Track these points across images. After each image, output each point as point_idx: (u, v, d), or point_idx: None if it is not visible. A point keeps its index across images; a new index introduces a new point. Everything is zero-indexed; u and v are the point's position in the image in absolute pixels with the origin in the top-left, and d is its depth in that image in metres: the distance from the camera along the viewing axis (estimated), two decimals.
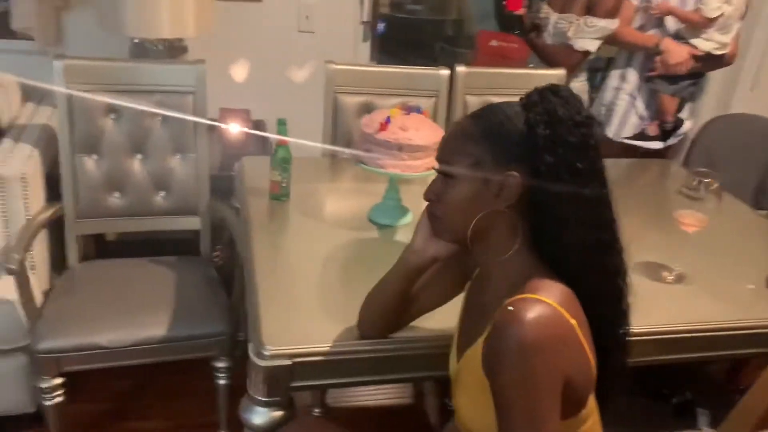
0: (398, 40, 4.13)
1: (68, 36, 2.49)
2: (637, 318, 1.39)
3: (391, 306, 1.20)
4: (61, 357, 1.71)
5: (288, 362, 1.22)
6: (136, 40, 2.32)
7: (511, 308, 0.91)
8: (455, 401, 1.12)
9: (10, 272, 1.65)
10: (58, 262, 2.07)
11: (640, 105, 2.69)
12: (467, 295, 1.19)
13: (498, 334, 0.92)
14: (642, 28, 2.61)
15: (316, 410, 2.15)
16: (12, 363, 1.84)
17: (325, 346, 1.23)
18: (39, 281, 1.94)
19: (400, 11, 4.75)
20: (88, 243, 2.37)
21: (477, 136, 1.01)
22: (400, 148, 1.61)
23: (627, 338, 1.09)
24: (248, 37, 2.63)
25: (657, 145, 2.71)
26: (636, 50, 2.65)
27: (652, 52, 2.56)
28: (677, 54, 2.51)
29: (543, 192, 0.97)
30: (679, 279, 1.60)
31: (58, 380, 1.74)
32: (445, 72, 2.28)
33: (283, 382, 1.24)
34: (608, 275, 1.02)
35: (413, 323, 1.27)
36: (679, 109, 2.68)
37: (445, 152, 1.05)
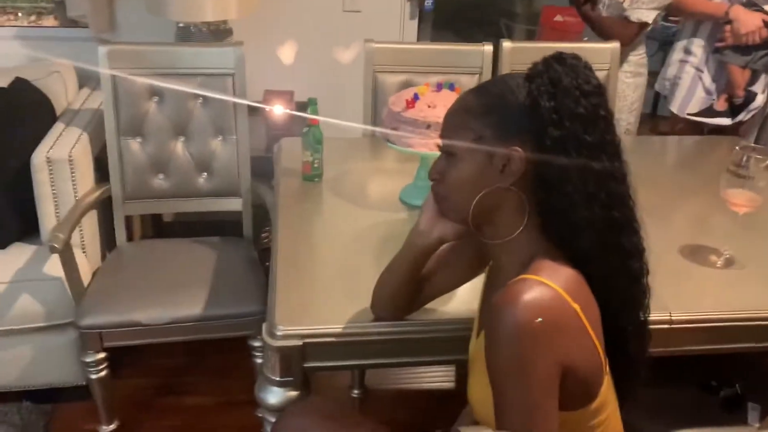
0: (456, 17, 4.03)
1: (120, 22, 2.56)
2: (684, 304, 1.33)
3: (401, 288, 1.17)
4: (103, 333, 1.78)
5: (299, 343, 1.21)
6: (181, 24, 2.36)
7: (508, 290, 0.87)
8: (468, 385, 1.08)
9: (53, 251, 1.72)
10: (110, 241, 2.15)
11: (707, 78, 2.52)
12: (486, 277, 1.14)
13: (494, 316, 0.87)
14: None
15: (355, 392, 2.15)
16: (62, 337, 1.93)
17: (336, 328, 1.22)
18: (90, 260, 2.02)
19: None
20: (145, 223, 2.45)
21: (478, 111, 0.96)
22: (429, 126, 1.57)
23: (646, 323, 1.01)
24: (293, 18, 2.63)
25: (725, 121, 2.53)
26: (703, 20, 2.47)
27: (720, 22, 2.39)
28: (748, 22, 2.33)
29: (549, 167, 0.91)
30: (729, 263, 1.48)
31: (102, 355, 1.81)
32: (488, 48, 2.20)
33: (295, 363, 1.23)
34: (622, 255, 0.95)
35: (431, 306, 1.23)
36: (751, 81, 2.49)
37: (448, 128, 1.01)
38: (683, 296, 1.38)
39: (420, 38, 2.86)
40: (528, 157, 0.92)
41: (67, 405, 2.04)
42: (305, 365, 1.24)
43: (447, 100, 1.62)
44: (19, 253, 1.96)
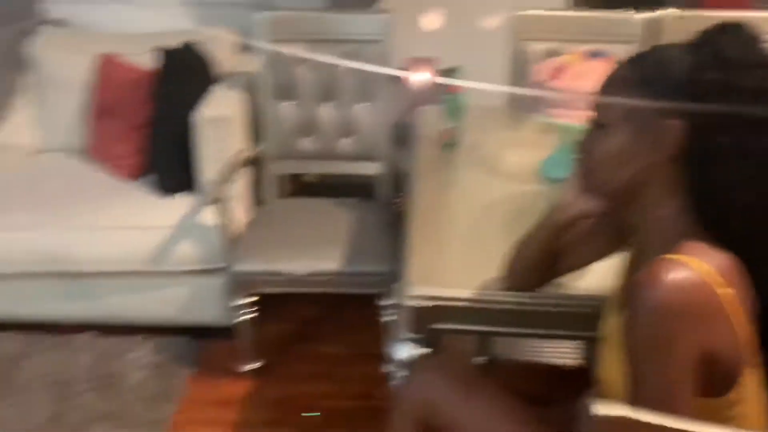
0: None
1: None
2: None
3: (536, 260, 1.17)
4: (251, 279, 1.94)
5: (429, 303, 1.25)
6: None
7: (652, 268, 0.85)
8: (600, 364, 1.07)
9: (211, 202, 1.88)
10: (260, 197, 2.32)
11: None
12: (628, 256, 1.12)
13: (635, 294, 0.86)
14: None
15: (480, 358, 2.18)
16: (213, 281, 2.12)
17: (466, 293, 1.24)
18: (241, 212, 2.19)
19: None
20: (289, 181, 2.61)
21: (634, 82, 0.93)
22: (574, 98, 1.53)
23: None
24: None
25: None
26: None
27: None
28: None
29: (708, 143, 0.87)
30: None
31: (249, 300, 1.98)
32: (642, 16, 2.08)
33: (424, 322, 1.28)
34: None
35: (565, 279, 1.22)
36: None
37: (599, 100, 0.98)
38: None
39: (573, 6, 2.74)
40: (687, 131, 0.88)
41: (214, 343, 2.25)
42: (433, 326, 1.28)
43: (597, 70, 1.56)
44: (181, 202, 2.16)
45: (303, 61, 2.14)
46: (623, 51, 2.06)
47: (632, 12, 2.08)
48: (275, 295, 2.01)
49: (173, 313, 2.19)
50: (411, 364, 1.31)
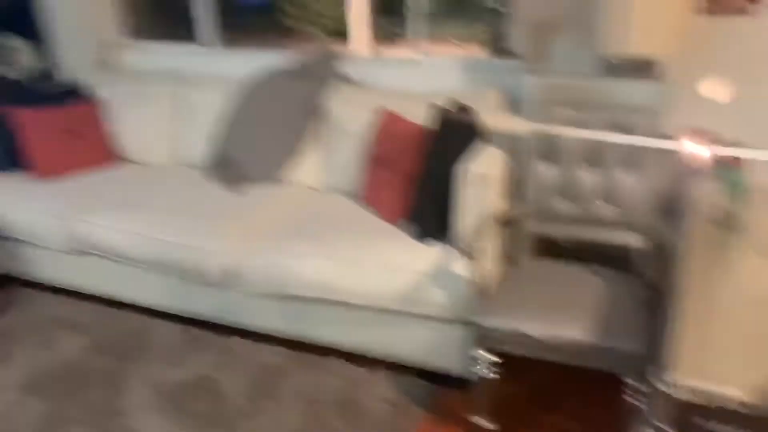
0: None
1: (550, 57, 2.74)
2: None
3: None
4: (494, 336, 1.96)
5: (693, 398, 1.16)
6: (608, 60, 2.42)
7: None
8: None
9: (465, 253, 1.96)
10: (512, 256, 2.35)
11: None
12: None
13: None
14: None
15: None
16: (455, 331, 2.19)
17: (740, 393, 1.13)
18: (492, 268, 2.24)
19: None
20: (540, 243, 2.61)
21: None
22: None
23: None
24: (731, 55, 2.45)
25: None
26: None
27: None
28: None
29: None
30: None
31: (490, 355, 2.00)
32: None
33: (683, 415, 1.18)
34: None
35: None
36: None
37: None
38: None
39: None
40: None
41: (449, 391, 2.31)
42: (693, 422, 1.18)
43: None
44: (436, 250, 2.28)
45: (570, 123, 2.15)
46: None
47: None
48: (517, 356, 2.01)
49: (415, 353, 2.31)
50: None
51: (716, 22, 2.41)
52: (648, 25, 2.16)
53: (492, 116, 2.53)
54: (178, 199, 2.82)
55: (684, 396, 1.16)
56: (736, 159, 1.61)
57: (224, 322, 2.69)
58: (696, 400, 1.15)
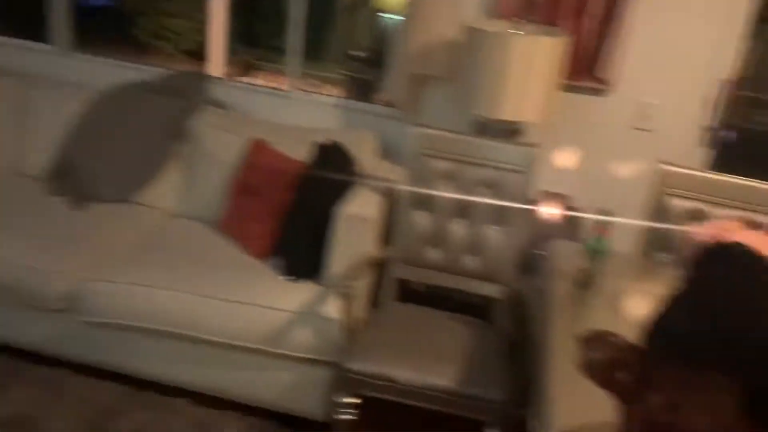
0: (744, 152, 3.82)
1: (422, 107, 2.85)
2: None
3: None
4: (360, 380, 1.93)
5: None
6: (479, 119, 2.57)
7: None
8: None
9: (341, 295, 1.94)
10: (374, 298, 2.36)
11: None
12: None
13: None
14: None
15: None
16: (319, 373, 2.13)
17: None
18: (358, 310, 2.23)
19: (750, 122, 4.40)
20: (399, 286, 2.65)
21: (665, 355, 0.90)
22: None
23: None
24: (581, 128, 2.71)
25: None
26: None
27: None
28: None
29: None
30: None
31: (353, 399, 1.97)
32: None
33: None
34: None
35: None
36: None
37: (649, 380, 0.94)
38: None
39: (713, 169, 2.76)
40: (735, 380, 0.82)
41: None
42: None
43: (761, 243, 1.55)
44: (305, 289, 2.22)
45: (447, 178, 2.23)
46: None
47: None
48: (377, 401, 1.99)
49: (273, 396, 2.21)
50: None
51: (574, 98, 2.67)
52: (519, 95, 2.33)
53: (369, 159, 2.56)
54: (14, 214, 2.49)
55: None
56: (603, 227, 1.76)
57: (53, 354, 2.38)
58: None
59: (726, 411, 0.88)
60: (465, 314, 2.26)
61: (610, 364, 1.04)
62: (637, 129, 2.68)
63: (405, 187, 2.25)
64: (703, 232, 1.62)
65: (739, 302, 0.86)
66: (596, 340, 1.07)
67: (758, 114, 4.53)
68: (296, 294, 2.18)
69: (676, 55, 2.61)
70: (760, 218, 1.98)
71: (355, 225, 2.15)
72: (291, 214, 2.39)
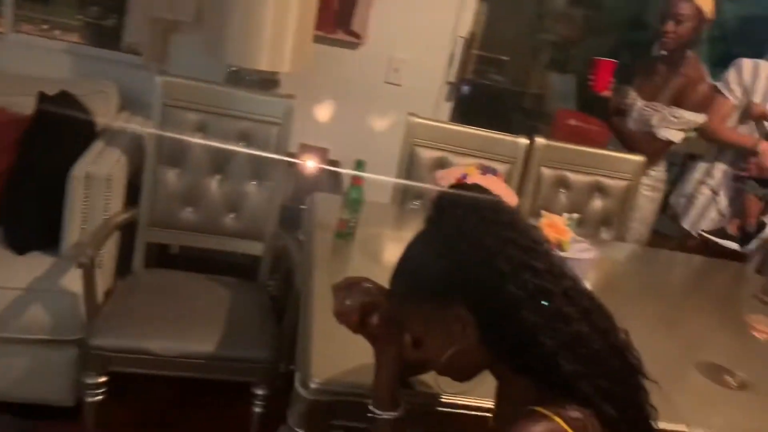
0: (478, 105, 4.20)
1: (171, 55, 2.63)
2: (696, 419, 1.35)
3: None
4: (111, 356, 1.75)
5: (331, 399, 1.21)
6: (233, 68, 2.44)
7: (520, 423, 0.85)
8: None
9: (80, 266, 1.71)
10: (122, 265, 2.14)
11: (723, 201, 2.64)
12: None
13: None
14: (740, 125, 2.59)
15: None
16: (62, 354, 1.89)
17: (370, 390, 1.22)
18: (103, 280, 2.00)
19: (483, 78, 4.85)
20: (152, 251, 2.45)
21: (410, 295, 0.97)
22: None
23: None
24: (337, 81, 2.73)
25: (734, 245, 2.63)
26: (731, 148, 2.61)
27: (748, 153, 2.52)
28: None
29: (491, 313, 0.90)
30: (742, 386, 1.52)
31: (103, 378, 1.78)
32: (523, 141, 2.30)
33: (323, 418, 1.23)
34: (597, 361, 0.89)
35: (458, 387, 1.22)
36: (764, 212, 2.60)
37: (399, 320, 1.01)
38: (695, 411, 1.41)
39: (449, 119, 2.97)
40: (471, 309, 0.90)
41: (50, 424, 1.98)
42: (332, 422, 1.24)
43: (492, 184, 1.69)
44: (37, 263, 1.94)
45: (198, 130, 2.08)
46: (504, 170, 2.27)
47: (517, 136, 2.29)
48: (131, 376, 1.82)
49: (7, 386, 1.91)
50: None
51: (329, 50, 2.66)
52: (273, 44, 2.24)
53: (109, 112, 2.29)
54: None
55: (320, 397, 1.20)
56: (360, 178, 1.77)
57: None
58: (329, 398, 1.20)
59: (464, 341, 0.94)
60: (227, 275, 2.16)
61: (363, 309, 1.04)
62: (389, 83, 2.77)
63: (152, 142, 2.04)
64: (445, 176, 1.72)
65: (471, 237, 0.91)
66: (349, 287, 1.07)
67: (489, 71, 5.02)
68: (25, 269, 1.89)
69: (422, 13, 2.72)
70: (493, 164, 2.16)
71: (94, 186, 1.91)
72: (14, 178, 2.05)
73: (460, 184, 1.03)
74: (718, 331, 1.84)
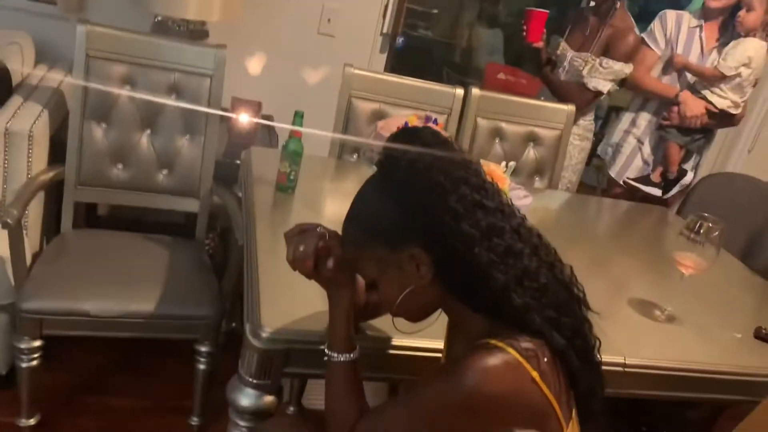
0: (409, 59, 4.20)
1: (90, 4, 2.48)
2: (627, 351, 1.43)
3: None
4: (44, 319, 1.68)
5: (284, 347, 1.21)
6: (159, 18, 2.32)
7: (471, 356, 0.87)
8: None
9: (5, 226, 1.62)
10: (50, 226, 2.05)
11: (647, 150, 2.75)
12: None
13: (458, 369, 0.87)
14: (663, 76, 2.68)
15: (291, 408, 2.13)
16: None
17: (321, 336, 1.23)
18: (30, 242, 1.91)
19: (412, 31, 4.83)
20: (80, 212, 2.34)
21: (363, 240, 0.98)
22: None
23: (600, 363, 1.00)
24: (269, 32, 2.65)
25: (658, 192, 2.76)
26: (653, 98, 2.70)
27: (670, 102, 2.62)
28: (694, 107, 2.57)
29: (446, 251, 0.91)
30: (670, 319, 1.62)
31: (38, 343, 1.71)
32: (459, 91, 2.31)
33: (276, 367, 1.22)
34: (545, 293, 0.93)
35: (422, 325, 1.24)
36: (685, 159, 2.73)
37: (353, 264, 1.02)
38: (627, 343, 1.50)
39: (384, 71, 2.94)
40: (428, 253, 0.92)
41: None
42: (285, 370, 1.24)
43: None
44: None
45: (125, 83, 1.98)
46: (442, 120, 2.28)
47: (454, 87, 2.30)
48: (63, 339, 1.75)
49: None
50: (256, 413, 1.24)
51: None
52: None
53: (23, 65, 2.15)
54: None
55: (272, 346, 1.20)
56: (298, 131, 1.74)
57: None
58: (282, 347, 1.20)
59: (418, 281, 0.95)
60: (162, 234, 2.10)
61: (317, 254, 1.04)
62: (322, 34, 2.72)
63: (76, 96, 1.93)
64: (386, 126, 1.71)
65: (424, 178, 0.91)
66: (302, 233, 1.06)
67: (418, 25, 5.01)
68: None
69: None
70: (429, 113, 2.17)
71: (15, 143, 1.80)
72: None
73: (412, 128, 1.02)
74: (646, 270, 1.94)
